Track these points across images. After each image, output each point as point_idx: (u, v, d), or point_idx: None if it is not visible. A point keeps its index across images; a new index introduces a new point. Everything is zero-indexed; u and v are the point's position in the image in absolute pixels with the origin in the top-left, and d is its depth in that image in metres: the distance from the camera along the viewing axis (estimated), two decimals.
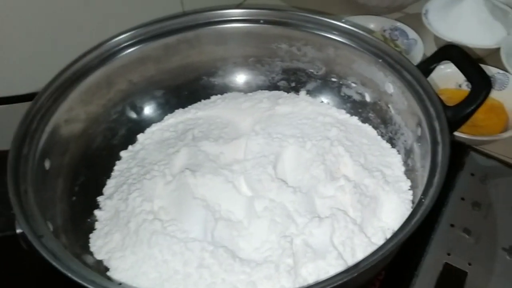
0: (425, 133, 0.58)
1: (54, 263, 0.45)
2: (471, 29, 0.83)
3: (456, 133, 0.68)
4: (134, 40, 0.67)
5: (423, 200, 0.50)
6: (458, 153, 0.70)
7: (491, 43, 0.82)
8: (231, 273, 0.53)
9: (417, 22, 0.88)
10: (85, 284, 0.44)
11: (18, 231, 0.50)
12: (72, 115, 0.62)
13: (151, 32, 0.68)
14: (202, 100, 0.73)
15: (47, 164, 0.58)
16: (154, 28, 0.68)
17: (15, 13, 0.64)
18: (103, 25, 0.70)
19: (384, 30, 0.89)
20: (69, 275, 0.45)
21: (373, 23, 0.90)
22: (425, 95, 0.59)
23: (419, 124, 0.59)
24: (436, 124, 0.56)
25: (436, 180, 0.51)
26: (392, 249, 0.47)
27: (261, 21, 0.71)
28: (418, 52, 0.83)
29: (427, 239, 0.62)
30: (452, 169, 0.50)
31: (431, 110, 0.58)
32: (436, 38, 0.86)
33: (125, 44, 0.67)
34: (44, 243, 0.47)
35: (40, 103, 0.59)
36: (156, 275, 0.54)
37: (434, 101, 0.58)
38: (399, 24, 0.89)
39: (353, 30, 0.67)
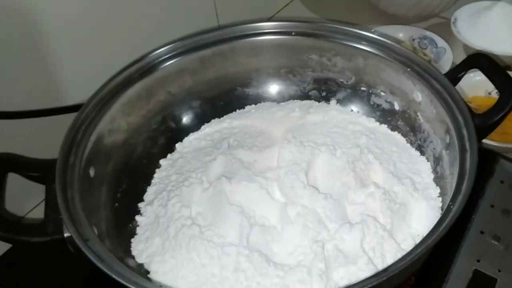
0: (453, 141, 0.59)
1: (99, 265, 0.48)
2: (500, 37, 0.84)
3: (485, 141, 0.69)
4: (172, 53, 0.70)
5: (451, 207, 0.51)
6: (488, 160, 0.71)
7: None
8: (265, 276, 0.55)
9: (446, 30, 0.89)
10: (128, 285, 0.47)
11: (66, 235, 0.53)
12: (114, 126, 0.65)
13: (188, 46, 0.71)
14: (237, 110, 0.76)
15: (91, 172, 0.61)
16: (191, 42, 0.71)
17: (64, 29, 0.68)
18: (144, 40, 0.73)
19: (413, 39, 0.90)
20: (114, 276, 0.47)
21: (402, 33, 0.92)
22: (453, 103, 0.61)
23: (447, 131, 0.61)
24: (465, 132, 0.57)
25: (464, 187, 0.52)
26: (421, 254, 0.48)
27: (293, 33, 0.73)
28: (447, 61, 0.84)
29: (457, 245, 0.63)
30: (481, 177, 0.51)
31: (459, 118, 0.59)
32: (465, 46, 0.87)
33: (164, 57, 0.70)
34: (90, 246, 0.50)
35: (85, 114, 0.62)
36: (194, 278, 0.56)
37: (462, 109, 0.59)
38: (428, 33, 0.90)
39: (381, 40, 0.69)
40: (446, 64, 0.84)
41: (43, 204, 0.56)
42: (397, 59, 0.67)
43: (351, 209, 0.60)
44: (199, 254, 0.57)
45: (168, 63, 0.70)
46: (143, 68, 0.69)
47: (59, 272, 0.64)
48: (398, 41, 0.78)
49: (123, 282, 0.47)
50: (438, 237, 0.48)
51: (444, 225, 0.49)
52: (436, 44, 0.89)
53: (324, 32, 0.72)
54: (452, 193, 0.53)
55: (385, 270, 0.47)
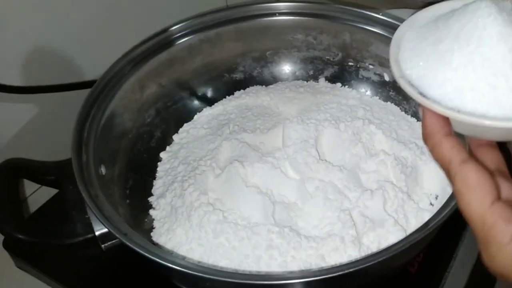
0: None
1: (150, 256, 0.49)
2: None
3: None
4: (160, 44, 0.72)
5: None
6: None
7: None
8: (299, 249, 0.58)
9: None
10: (193, 273, 0.48)
11: (98, 233, 0.54)
12: (115, 122, 0.66)
13: (175, 35, 0.73)
14: (227, 97, 0.78)
15: (103, 170, 0.62)
16: (178, 30, 0.73)
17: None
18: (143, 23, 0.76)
19: None
20: (168, 264, 0.49)
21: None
22: None
23: None
24: None
25: None
26: (450, 212, 0.52)
27: (276, 14, 0.76)
28: None
29: (465, 224, 0.68)
30: None
31: None
32: None
33: (154, 49, 0.71)
34: (131, 239, 0.52)
35: (87, 109, 0.63)
36: (226, 262, 0.58)
37: None
38: None
39: (367, 14, 0.73)
40: None
41: None
42: (385, 30, 0.72)
43: (365, 178, 0.64)
44: (228, 237, 0.59)
45: (158, 54, 0.72)
46: (135, 61, 0.70)
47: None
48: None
49: (176, 267, 0.48)
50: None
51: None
52: None
53: (309, 10, 0.76)
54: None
55: (426, 224, 0.51)
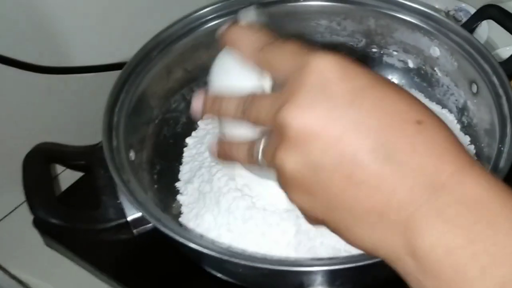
0: (481, 89, 0.65)
1: (183, 241, 0.50)
2: None
3: None
4: (186, 28, 0.72)
5: (502, 148, 0.57)
6: None
7: None
8: (328, 235, 0.59)
9: (482, 2, 0.90)
10: (216, 255, 0.49)
11: (131, 218, 0.56)
12: (143, 107, 0.67)
13: (201, 19, 0.73)
14: None
15: (132, 155, 0.62)
16: (203, 15, 0.73)
17: None
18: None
19: (448, 11, 0.93)
20: (202, 250, 0.50)
21: (437, 4, 0.93)
22: (476, 53, 0.66)
23: (473, 81, 0.67)
24: (495, 79, 0.63)
25: (509, 130, 0.58)
26: None
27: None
28: (483, 33, 0.86)
29: None
30: None
31: (486, 66, 0.65)
32: None
33: (179, 33, 0.71)
34: (165, 224, 0.53)
35: (116, 93, 0.64)
36: (256, 248, 0.60)
37: (487, 57, 0.65)
38: (464, 5, 0.92)
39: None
40: (482, 35, 0.86)
41: None
42: (411, 17, 0.72)
43: None
44: (257, 224, 0.60)
45: (184, 39, 0.72)
46: (160, 46, 0.70)
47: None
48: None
49: (210, 252, 0.49)
50: (505, 172, 0.53)
51: (502, 165, 0.55)
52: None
53: None
54: (498, 136, 0.58)
55: None
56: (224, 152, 0.46)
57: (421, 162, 0.30)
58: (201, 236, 0.58)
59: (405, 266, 0.31)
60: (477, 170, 0.31)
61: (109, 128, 0.61)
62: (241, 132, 0.43)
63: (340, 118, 0.31)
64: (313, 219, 0.35)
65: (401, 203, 0.30)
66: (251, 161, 0.40)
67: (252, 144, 0.40)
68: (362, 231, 0.32)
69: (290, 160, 0.33)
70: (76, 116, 0.73)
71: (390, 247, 0.31)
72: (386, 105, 0.32)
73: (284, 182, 0.35)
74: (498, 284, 0.27)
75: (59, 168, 0.68)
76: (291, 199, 0.35)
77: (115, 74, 0.65)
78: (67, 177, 0.70)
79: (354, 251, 0.57)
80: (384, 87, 0.33)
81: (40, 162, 0.58)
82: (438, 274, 0.29)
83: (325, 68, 0.33)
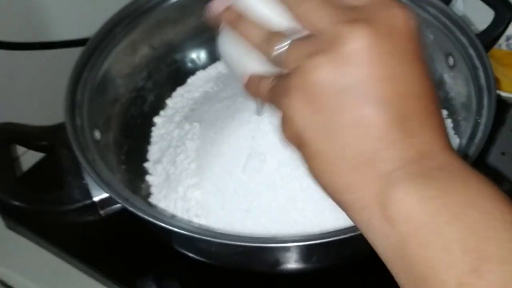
0: (458, 62, 0.64)
1: (152, 220, 0.48)
2: None
3: (499, 92, 0.74)
4: (151, 4, 0.70)
5: (478, 120, 0.56)
6: (500, 109, 0.73)
7: None
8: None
9: None
10: (188, 234, 0.48)
11: (97, 198, 0.53)
12: (108, 86, 0.65)
13: None
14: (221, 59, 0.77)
15: (97, 135, 0.60)
16: None
17: None
18: None
19: None
20: (173, 228, 0.48)
21: None
22: (453, 25, 0.65)
23: (450, 54, 0.65)
24: (471, 51, 0.62)
25: (486, 101, 0.57)
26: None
27: None
28: (458, 10, 0.84)
29: None
30: (493, 125, 0.56)
31: (462, 38, 0.64)
32: None
33: (145, 7, 0.69)
34: (133, 204, 0.50)
35: (79, 70, 0.61)
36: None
37: (463, 29, 0.64)
38: None
39: None
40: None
41: None
42: None
43: None
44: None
45: (150, 14, 0.69)
46: (125, 22, 0.68)
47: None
48: None
49: (183, 231, 0.48)
50: (479, 149, 0.53)
51: (479, 136, 0.54)
52: None
53: None
54: (475, 108, 0.58)
55: None
56: (233, 20, 0.39)
57: (424, 135, 0.32)
58: (173, 216, 0.56)
59: (370, 215, 0.31)
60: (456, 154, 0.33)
61: (72, 106, 0.58)
62: (265, 11, 0.37)
63: (389, 67, 0.32)
64: (292, 136, 0.34)
65: (394, 157, 0.31)
66: (265, 50, 0.36)
67: (277, 34, 0.36)
68: (342, 168, 0.32)
69: (325, 71, 0.31)
70: (38, 94, 0.70)
71: (363, 192, 0.31)
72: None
73: (297, 85, 0.32)
74: (466, 229, 0.28)
75: (20, 150, 0.66)
76: (286, 104, 0.33)
77: (78, 51, 0.62)
78: (28, 159, 0.67)
79: (330, 227, 0.57)
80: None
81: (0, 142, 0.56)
82: (407, 220, 0.29)
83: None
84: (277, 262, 0.51)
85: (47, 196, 0.54)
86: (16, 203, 0.53)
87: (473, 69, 0.61)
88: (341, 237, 0.47)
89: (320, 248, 0.49)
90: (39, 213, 0.54)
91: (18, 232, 0.62)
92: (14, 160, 0.57)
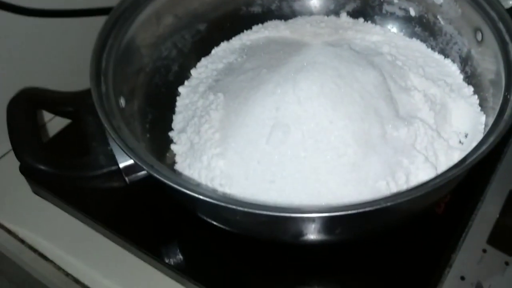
0: (487, 37, 0.63)
1: (178, 187, 0.48)
2: None
3: None
4: None
5: (508, 97, 0.55)
6: None
7: None
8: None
9: None
10: (213, 201, 0.47)
11: (122, 165, 0.54)
12: (132, 55, 0.65)
13: None
14: (244, 31, 0.77)
15: (122, 102, 0.60)
16: None
17: None
18: None
19: None
20: (199, 196, 0.48)
21: None
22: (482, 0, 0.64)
23: (478, 29, 0.65)
24: (501, 25, 0.61)
25: None
26: (489, 149, 0.50)
27: None
28: None
29: (494, 167, 0.68)
30: None
31: (492, 13, 0.63)
32: None
33: None
34: (159, 171, 0.51)
35: (104, 38, 0.61)
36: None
37: (493, 3, 0.63)
38: None
39: None
40: None
41: None
42: None
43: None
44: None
45: None
46: None
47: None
48: None
49: (204, 198, 0.47)
50: (508, 125, 0.52)
51: (508, 112, 0.53)
52: None
53: None
54: (504, 84, 0.57)
55: (456, 166, 0.50)
56: None
57: None
58: (198, 184, 0.56)
59: None
60: None
61: (97, 73, 0.58)
62: None
63: None
64: None
65: None
66: None
67: None
68: None
69: None
70: (64, 62, 0.70)
71: None
72: None
73: None
74: None
75: (46, 117, 0.66)
76: None
77: (103, 19, 0.63)
78: (54, 126, 0.68)
79: (353, 200, 0.57)
80: None
81: (25, 107, 0.56)
82: None
83: None
84: (301, 233, 0.51)
85: (73, 162, 0.55)
86: (42, 167, 0.53)
87: (502, 44, 0.60)
88: (366, 209, 0.47)
89: (344, 220, 0.49)
90: (65, 178, 0.54)
91: (43, 197, 0.63)
92: (40, 126, 0.58)
